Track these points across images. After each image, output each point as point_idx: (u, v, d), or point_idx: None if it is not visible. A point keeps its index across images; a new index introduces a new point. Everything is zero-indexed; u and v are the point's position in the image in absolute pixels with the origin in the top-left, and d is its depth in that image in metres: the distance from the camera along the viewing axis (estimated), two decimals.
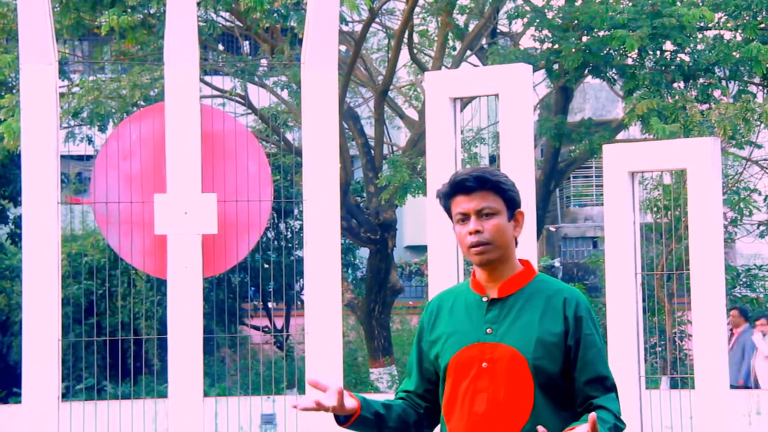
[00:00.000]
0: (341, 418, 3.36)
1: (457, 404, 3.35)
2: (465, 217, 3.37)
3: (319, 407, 3.28)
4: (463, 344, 3.36)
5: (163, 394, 10.86)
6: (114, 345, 13.96)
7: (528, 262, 3.46)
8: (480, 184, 3.35)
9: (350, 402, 3.33)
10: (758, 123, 12.98)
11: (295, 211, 17.15)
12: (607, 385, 3.39)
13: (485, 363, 3.32)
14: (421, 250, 23.13)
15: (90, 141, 15.02)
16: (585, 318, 3.36)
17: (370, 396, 3.62)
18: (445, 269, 6.60)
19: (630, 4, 13.69)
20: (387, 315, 16.50)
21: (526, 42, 15.98)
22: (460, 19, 16.64)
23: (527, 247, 6.50)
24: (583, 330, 3.35)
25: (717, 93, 13.80)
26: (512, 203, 3.39)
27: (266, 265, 16.83)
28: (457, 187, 3.38)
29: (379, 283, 16.11)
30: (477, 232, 3.34)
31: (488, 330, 3.35)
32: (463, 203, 3.36)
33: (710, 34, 14.28)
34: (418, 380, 3.52)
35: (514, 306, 3.37)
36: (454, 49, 16.94)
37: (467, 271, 4.44)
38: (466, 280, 3.52)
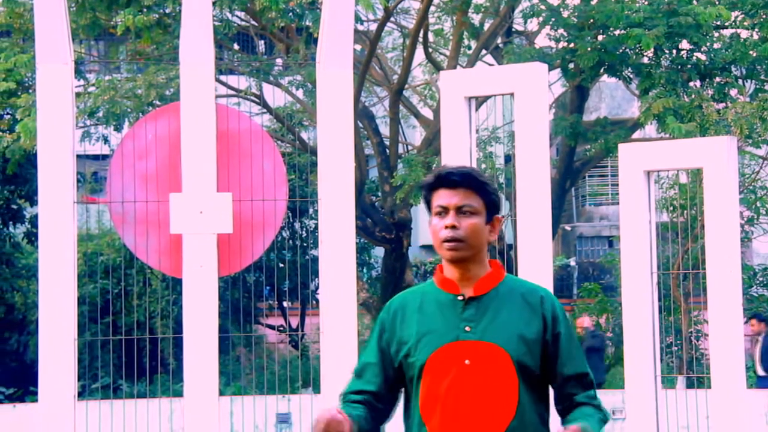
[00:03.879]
0: None
1: (439, 403, 3.33)
2: (444, 211, 3.37)
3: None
4: (441, 343, 3.35)
5: (178, 393, 10.88)
6: (130, 344, 13.98)
7: (497, 263, 3.47)
8: (466, 181, 3.36)
9: (346, 428, 3.27)
10: None
11: (310, 210, 17.15)
12: (587, 382, 3.43)
13: (468, 360, 3.32)
14: None
15: (106, 140, 15.06)
16: (561, 315, 3.41)
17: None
18: None
19: (646, 2, 13.65)
20: None
21: (542, 41, 15.96)
22: (476, 18, 16.63)
23: (543, 247, 6.48)
24: (561, 327, 3.39)
25: (733, 92, 13.76)
26: (493, 207, 3.41)
27: (281, 265, 16.87)
28: (443, 179, 3.38)
29: (394, 282, 16.11)
30: (453, 227, 3.34)
31: (467, 328, 3.35)
32: (445, 196, 3.37)
33: (727, 32, 14.23)
34: (380, 381, 3.45)
35: (490, 304, 3.38)
36: (470, 48, 16.93)
37: None
38: (430, 281, 3.50)
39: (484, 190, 3.37)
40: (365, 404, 3.42)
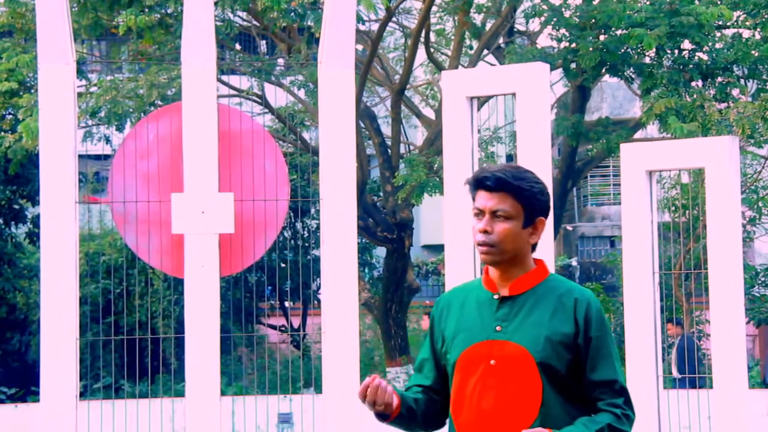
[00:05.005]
0: (382, 416, 3.38)
1: (465, 401, 3.37)
2: (480, 213, 3.38)
3: (378, 397, 3.31)
4: (472, 341, 3.38)
5: (180, 393, 10.89)
6: (131, 344, 14.01)
7: (542, 262, 3.46)
8: (499, 185, 3.34)
9: (392, 400, 3.36)
10: None
11: (312, 211, 17.16)
12: (616, 389, 3.37)
13: (493, 360, 3.34)
14: (437, 249, 23.12)
15: (108, 140, 15.07)
16: (595, 319, 3.36)
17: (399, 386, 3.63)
18: (462, 268, 6.59)
19: (648, 2, 13.64)
20: (404, 314, 16.50)
21: (543, 41, 15.95)
22: (477, 18, 16.63)
23: (544, 247, 6.48)
24: (593, 331, 3.35)
25: (735, 92, 13.75)
26: (532, 210, 3.37)
27: (283, 265, 16.88)
28: (479, 182, 3.39)
29: (395, 282, 16.10)
30: (485, 232, 3.36)
31: (497, 328, 3.37)
32: (481, 199, 3.38)
33: (729, 32, 14.22)
34: (434, 375, 3.52)
35: (524, 304, 3.38)
36: (471, 48, 16.92)
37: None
38: (479, 278, 3.52)
39: (520, 194, 3.34)
40: (425, 395, 3.52)
